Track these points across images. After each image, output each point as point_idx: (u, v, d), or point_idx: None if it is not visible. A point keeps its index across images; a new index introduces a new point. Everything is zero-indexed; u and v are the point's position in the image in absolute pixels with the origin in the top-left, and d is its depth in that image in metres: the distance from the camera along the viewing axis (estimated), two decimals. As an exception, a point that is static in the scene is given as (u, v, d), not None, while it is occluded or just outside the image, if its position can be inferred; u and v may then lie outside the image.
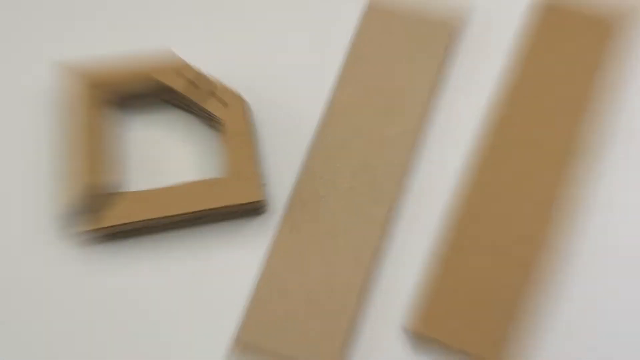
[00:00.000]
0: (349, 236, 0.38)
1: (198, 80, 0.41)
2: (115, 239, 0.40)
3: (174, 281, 0.39)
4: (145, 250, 0.39)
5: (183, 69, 0.41)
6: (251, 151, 0.39)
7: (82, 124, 0.40)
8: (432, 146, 0.42)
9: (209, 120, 0.42)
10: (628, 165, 0.40)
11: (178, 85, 0.41)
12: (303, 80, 0.44)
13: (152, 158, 0.42)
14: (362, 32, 0.44)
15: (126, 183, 0.41)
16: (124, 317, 0.38)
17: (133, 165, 0.42)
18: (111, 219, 0.37)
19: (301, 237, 0.39)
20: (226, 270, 0.39)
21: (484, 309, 0.37)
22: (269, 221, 0.40)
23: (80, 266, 0.39)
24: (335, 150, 0.41)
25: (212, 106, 0.41)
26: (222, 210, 0.38)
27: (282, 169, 0.41)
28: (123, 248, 0.39)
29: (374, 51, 0.44)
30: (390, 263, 0.39)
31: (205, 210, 0.38)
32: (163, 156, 0.42)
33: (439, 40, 0.43)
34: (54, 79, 0.44)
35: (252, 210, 0.39)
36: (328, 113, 0.42)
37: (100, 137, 0.40)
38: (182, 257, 0.39)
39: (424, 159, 0.41)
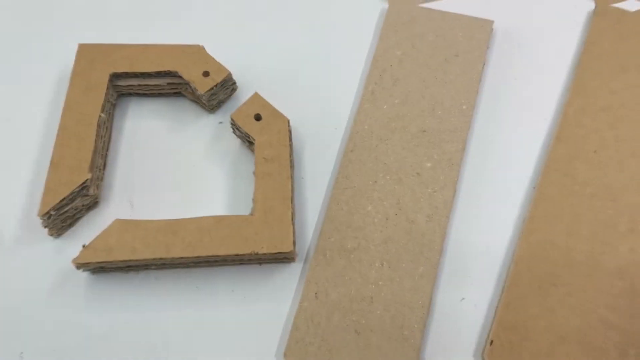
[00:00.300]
0: (389, 304, 0.32)
1: (225, 84, 0.36)
2: (117, 271, 0.34)
3: (178, 328, 0.33)
4: (148, 287, 0.34)
5: (212, 69, 0.35)
6: (286, 185, 0.33)
7: (85, 113, 0.35)
8: (476, 183, 0.36)
9: (242, 135, 0.35)
10: None
11: (202, 86, 0.35)
12: (324, 96, 0.39)
13: (172, 167, 0.37)
14: (382, 45, 0.39)
15: (135, 199, 0.36)
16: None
17: (144, 176, 0.36)
18: (110, 253, 0.31)
19: (329, 305, 0.32)
20: (240, 324, 0.33)
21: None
22: (296, 271, 0.34)
23: (74, 300, 0.33)
24: (363, 191, 0.35)
25: (241, 119, 0.34)
26: (244, 256, 0.32)
27: (304, 209, 0.36)
28: (124, 282, 0.34)
29: (398, 64, 0.38)
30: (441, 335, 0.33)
31: (223, 255, 0.32)
32: (183, 165, 0.37)
33: (480, 39, 0.38)
34: (75, 60, 0.38)
35: (281, 258, 0.33)
36: (350, 145, 0.36)
37: (101, 131, 0.36)
38: (191, 299, 0.33)
39: (468, 202, 0.35)
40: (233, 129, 0.36)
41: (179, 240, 0.31)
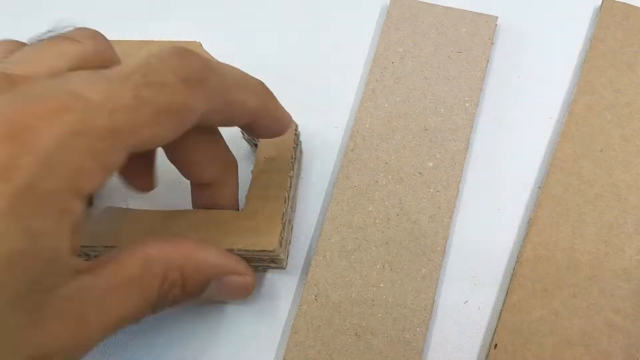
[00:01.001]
0: (390, 306, 0.31)
1: None
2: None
3: (169, 332, 0.32)
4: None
5: None
6: (283, 183, 0.32)
7: None
8: (481, 179, 0.35)
9: (249, 139, 0.34)
10: None
11: None
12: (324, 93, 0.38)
13: (170, 166, 0.35)
14: (383, 45, 0.38)
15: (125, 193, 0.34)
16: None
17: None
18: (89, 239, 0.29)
19: (329, 307, 0.31)
20: (237, 327, 0.32)
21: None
22: (296, 273, 0.33)
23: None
24: (364, 191, 0.34)
25: None
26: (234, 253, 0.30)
27: (304, 209, 0.35)
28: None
29: (399, 61, 0.37)
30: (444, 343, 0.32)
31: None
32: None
33: (484, 35, 0.37)
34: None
35: (267, 260, 0.32)
36: (350, 144, 0.35)
37: None
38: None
39: (472, 197, 0.35)
40: (242, 132, 0.34)
41: (168, 233, 0.29)
